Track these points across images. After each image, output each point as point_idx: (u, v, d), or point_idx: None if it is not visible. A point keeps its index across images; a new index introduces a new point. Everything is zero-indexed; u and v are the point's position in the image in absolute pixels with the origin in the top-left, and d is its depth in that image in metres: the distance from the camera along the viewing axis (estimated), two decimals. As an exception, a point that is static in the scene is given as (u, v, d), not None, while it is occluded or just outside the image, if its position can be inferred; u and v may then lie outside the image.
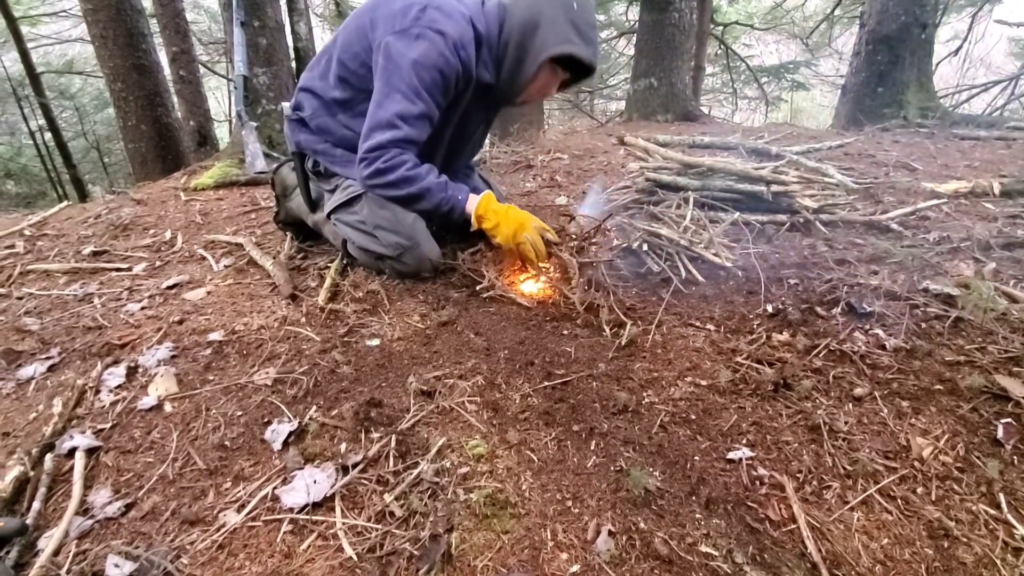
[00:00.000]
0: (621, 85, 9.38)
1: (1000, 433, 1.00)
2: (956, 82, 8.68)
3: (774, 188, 1.74)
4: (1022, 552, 0.82)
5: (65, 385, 1.23)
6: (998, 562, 0.81)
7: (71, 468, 1.01)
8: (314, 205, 1.81)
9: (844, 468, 0.96)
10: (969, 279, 1.39)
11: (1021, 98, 7.66)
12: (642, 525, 0.88)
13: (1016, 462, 0.96)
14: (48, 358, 1.35)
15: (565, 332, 1.37)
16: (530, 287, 1.56)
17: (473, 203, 1.58)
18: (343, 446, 1.05)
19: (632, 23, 7.95)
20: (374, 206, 1.63)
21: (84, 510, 0.94)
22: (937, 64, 6.14)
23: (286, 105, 1.78)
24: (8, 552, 0.86)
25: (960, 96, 7.77)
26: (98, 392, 1.21)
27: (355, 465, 1.00)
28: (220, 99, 9.66)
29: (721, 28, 8.42)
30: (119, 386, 1.24)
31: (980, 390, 1.08)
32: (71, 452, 1.03)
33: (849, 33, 8.57)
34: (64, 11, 7.44)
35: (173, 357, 1.34)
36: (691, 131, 3.69)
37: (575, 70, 1.55)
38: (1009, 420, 1.02)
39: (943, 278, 1.40)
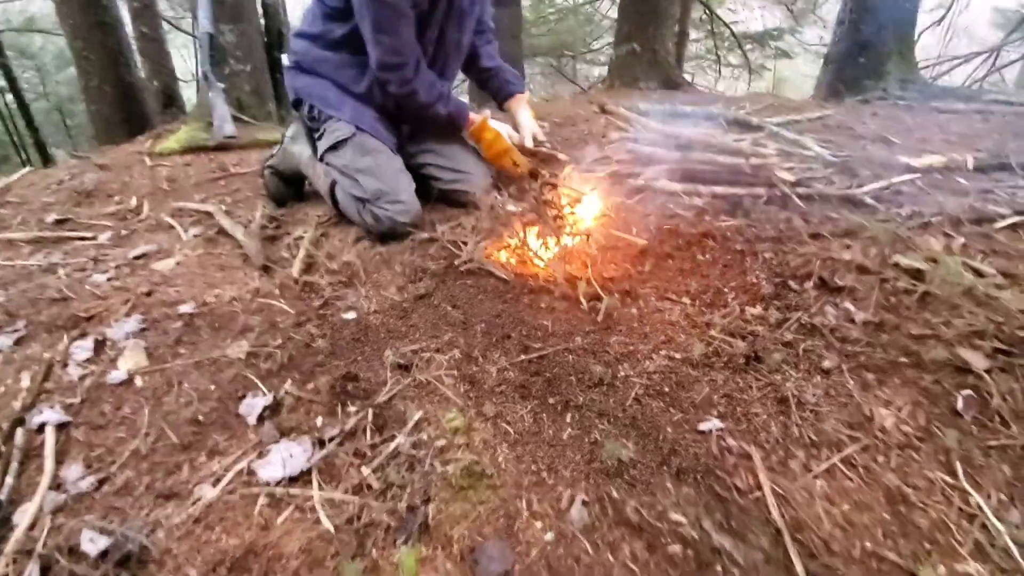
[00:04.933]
0: (604, 50, 9.18)
1: (960, 404, 1.04)
2: (938, 52, 8.70)
3: (752, 161, 1.74)
4: (976, 517, 0.86)
5: (32, 359, 1.20)
6: (953, 527, 0.85)
7: (43, 443, 0.99)
8: (315, 150, 1.88)
9: (810, 438, 0.99)
10: (938, 254, 1.42)
11: (1002, 70, 7.72)
12: (615, 494, 0.90)
13: (975, 432, 1.00)
14: (15, 331, 1.31)
15: (543, 305, 1.37)
16: (508, 259, 1.55)
17: (475, 117, 1.81)
18: (319, 420, 1.05)
19: (617, -15, 7.73)
20: (356, 152, 1.73)
21: (57, 485, 0.93)
22: (920, 34, 6.13)
23: (284, 57, 1.89)
24: (-19, 528, 0.85)
25: (941, 67, 7.80)
26: (66, 366, 1.18)
27: (332, 439, 1.00)
28: (186, 58, 9.21)
29: (707, -7, 8.24)
30: (87, 360, 1.21)
31: (943, 363, 1.11)
32: (41, 427, 1.01)
33: (834, 1, 8.47)
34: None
35: (142, 330, 1.31)
36: (674, 99, 3.65)
37: None
38: (969, 392, 1.06)
39: (913, 252, 1.43)
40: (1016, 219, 1.61)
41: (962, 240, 1.50)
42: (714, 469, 0.94)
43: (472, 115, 1.86)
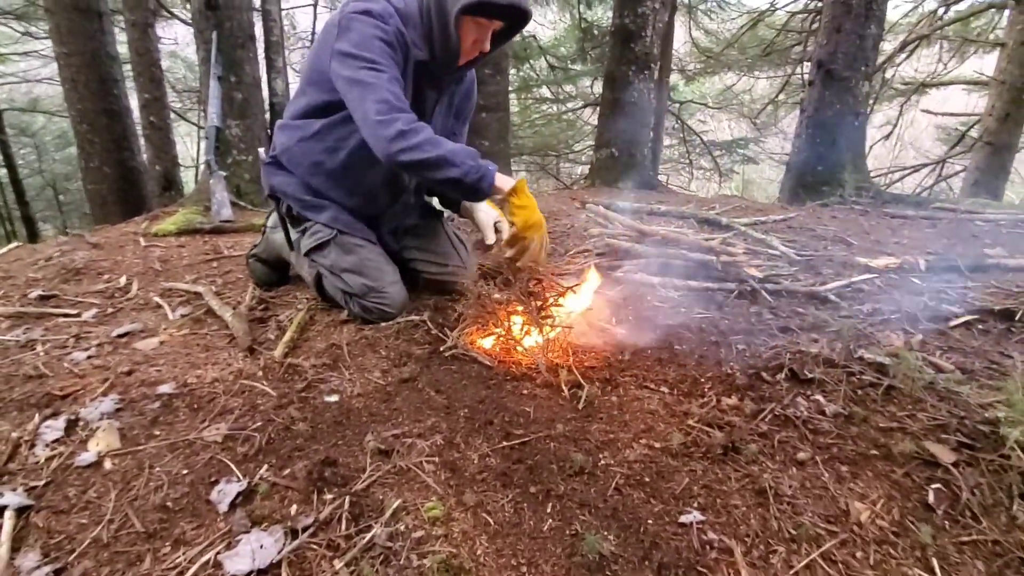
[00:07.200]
0: (586, 151, 9.87)
1: (931, 498, 1.06)
2: (889, 163, 9.52)
3: (723, 258, 1.86)
4: (953, 616, 0.85)
5: (-2, 438, 1.17)
6: (931, 627, 0.84)
7: (1, 527, 0.94)
8: (291, 246, 1.86)
9: (789, 532, 1.00)
10: (899, 349, 1.49)
11: (948, 180, 8.47)
12: (595, 591, 0.88)
13: (947, 527, 1.02)
14: (-19, 409, 1.28)
15: (525, 392, 1.39)
16: (493, 346, 1.58)
17: (505, 179, 1.53)
18: (294, 508, 1.02)
19: (597, 95, 8.48)
20: (340, 252, 1.73)
21: (12, 574, 0.88)
22: (871, 147, 6.76)
23: (262, 151, 1.87)
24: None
25: (893, 176, 8.52)
26: (33, 446, 1.15)
27: (305, 529, 0.97)
28: (189, 144, 9.64)
29: (678, 105, 9.08)
30: (56, 440, 1.18)
31: (912, 456, 1.15)
32: (0, 511, 0.97)
33: (792, 116, 9.37)
34: (35, 51, 7.42)
35: (118, 410, 1.29)
36: (649, 199, 3.90)
37: (503, 16, 1.54)
38: (939, 486, 1.09)
39: (876, 348, 1.50)
40: (968, 318, 1.72)
41: (920, 337, 1.59)
42: (696, 564, 0.93)
43: (501, 177, 1.53)
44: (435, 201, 2.05)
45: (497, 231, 1.80)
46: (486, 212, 1.84)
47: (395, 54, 1.52)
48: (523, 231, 1.56)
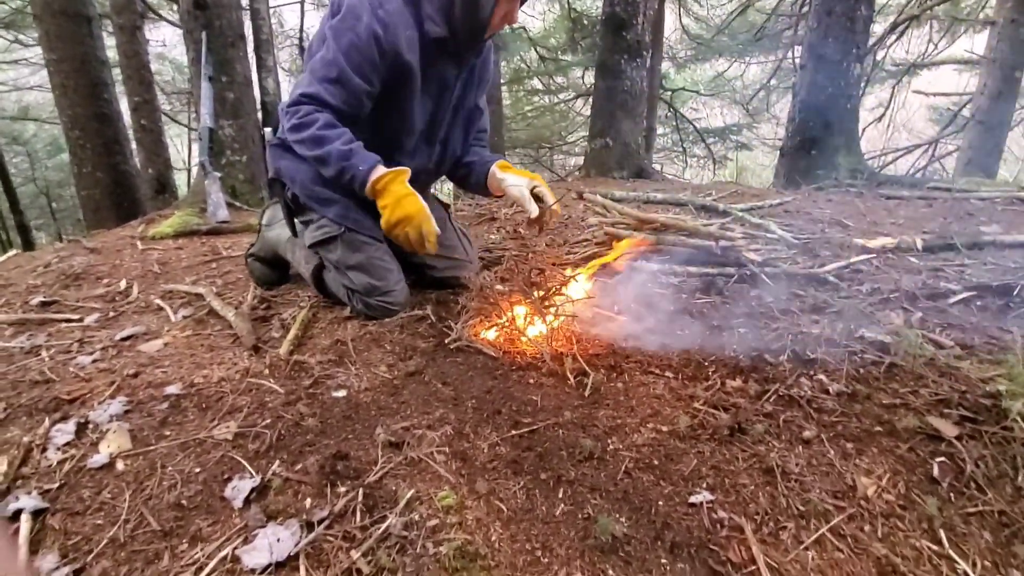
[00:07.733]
0: (579, 142, 9.86)
1: (936, 471, 1.08)
2: (882, 145, 9.54)
3: (722, 243, 1.87)
4: (962, 585, 0.87)
5: (10, 443, 1.17)
6: (941, 595, 0.86)
7: (16, 531, 0.95)
8: (294, 232, 1.84)
9: (797, 508, 1.01)
10: (899, 327, 1.51)
11: (941, 160, 8.49)
12: (610, 572, 0.89)
13: (953, 499, 1.03)
14: (-9, 415, 1.28)
15: (531, 381, 1.40)
16: (497, 337, 1.59)
17: (377, 175, 1.52)
18: (308, 501, 1.03)
19: (588, 86, 8.46)
20: (347, 250, 1.72)
21: (28, 578, 0.89)
22: (864, 129, 6.78)
23: (268, 130, 1.85)
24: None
25: (886, 158, 8.55)
26: (45, 450, 1.15)
27: (320, 521, 0.98)
28: (180, 147, 9.58)
29: (670, 93, 9.07)
30: (68, 443, 1.18)
31: (915, 431, 1.16)
32: (16, 515, 0.98)
33: (785, 101, 9.37)
34: (24, 59, 7.36)
35: (127, 412, 1.29)
36: (645, 187, 3.90)
37: None
38: (943, 459, 1.10)
39: (876, 326, 1.52)
40: (967, 295, 1.74)
41: (920, 314, 1.60)
42: (707, 543, 0.95)
43: (378, 176, 1.53)
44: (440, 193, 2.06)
45: (537, 198, 1.71)
46: (516, 185, 1.75)
47: (367, 47, 1.50)
48: (388, 234, 1.58)
